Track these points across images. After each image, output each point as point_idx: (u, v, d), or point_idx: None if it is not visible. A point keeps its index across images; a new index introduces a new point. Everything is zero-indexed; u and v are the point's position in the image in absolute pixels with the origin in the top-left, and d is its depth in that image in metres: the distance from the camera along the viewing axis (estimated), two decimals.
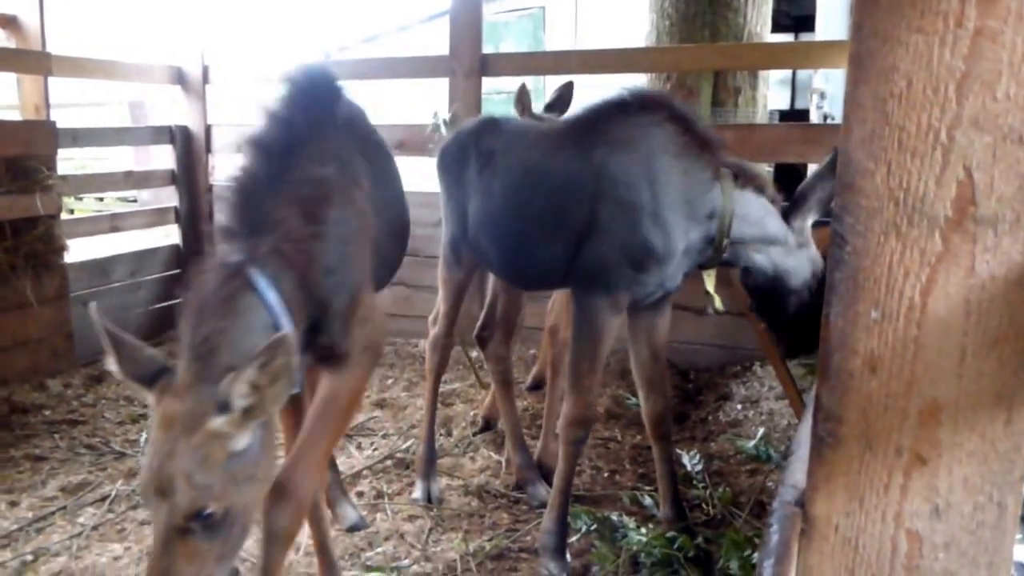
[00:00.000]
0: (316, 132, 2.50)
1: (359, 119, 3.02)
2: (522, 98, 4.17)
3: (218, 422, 1.95)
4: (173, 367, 2.06)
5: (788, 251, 2.99)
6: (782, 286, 3.02)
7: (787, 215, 2.99)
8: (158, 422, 1.98)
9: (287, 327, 2.16)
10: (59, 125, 5.19)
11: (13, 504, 3.60)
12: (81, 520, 3.49)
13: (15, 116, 5.63)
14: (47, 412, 4.64)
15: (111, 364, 2.04)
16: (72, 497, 3.67)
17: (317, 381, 2.59)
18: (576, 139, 3.05)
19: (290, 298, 2.24)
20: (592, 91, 3.39)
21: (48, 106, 5.32)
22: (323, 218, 2.39)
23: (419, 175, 5.44)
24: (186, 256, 6.47)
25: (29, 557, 3.18)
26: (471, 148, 3.40)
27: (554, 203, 3.03)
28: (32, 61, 5.22)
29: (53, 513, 3.53)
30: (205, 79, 6.48)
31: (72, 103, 7.64)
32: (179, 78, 6.47)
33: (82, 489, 3.76)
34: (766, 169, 6.07)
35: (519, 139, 3.31)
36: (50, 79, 5.37)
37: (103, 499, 3.65)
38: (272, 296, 2.18)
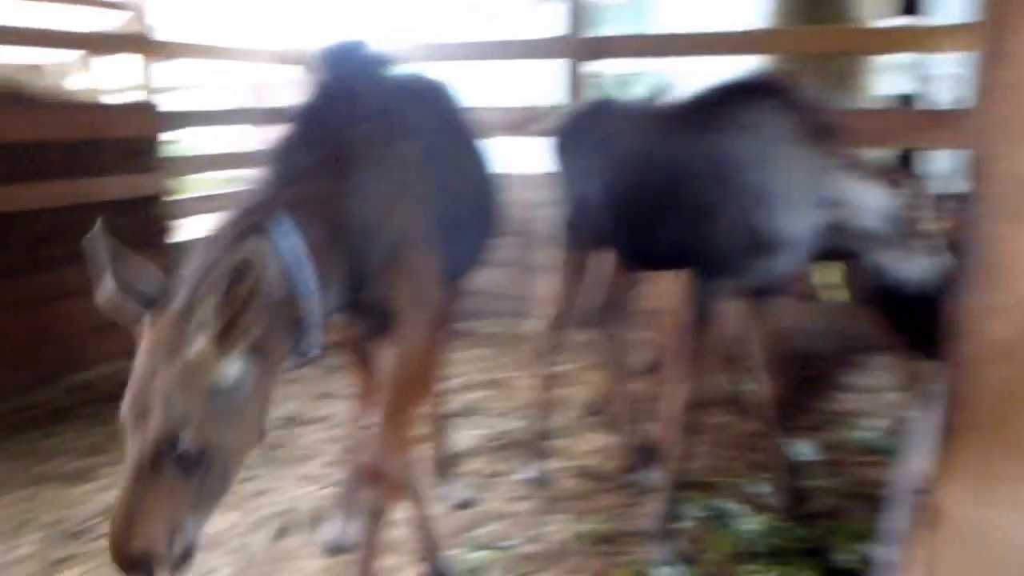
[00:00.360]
0: (353, 100, 2.45)
1: (429, 95, 2.97)
2: (645, 84, 4.21)
3: (198, 348, 1.89)
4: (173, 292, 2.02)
5: (907, 249, 2.87)
6: (901, 287, 2.91)
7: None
8: (144, 346, 1.94)
9: (308, 279, 2.12)
10: (160, 108, 5.42)
11: None
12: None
13: (137, 97, 5.87)
14: None
15: (106, 284, 1.97)
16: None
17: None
18: (697, 121, 3.01)
19: (316, 248, 2.16)
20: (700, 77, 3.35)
21: (151, 89, 5.54)
22: (355, 175, 2.33)
23: (531, 156, 5.46)
24: None
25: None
26: (586, 130, 3.39)
27: (672, 185, 2.99)
28: (136, 44, 5.43)
29: None
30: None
31: (191, 86, 7.90)
32: (286, 60, 6.55)
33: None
34: (886, 156, 5.85)
35: (637, 120, 3.28)
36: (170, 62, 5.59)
37: None
38: (288, 242, 2.11)
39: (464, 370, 5.14)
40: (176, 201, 5.83)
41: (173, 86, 7.79)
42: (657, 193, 3.04)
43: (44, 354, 4.83)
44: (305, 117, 2.40)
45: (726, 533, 3.09)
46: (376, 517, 2.49)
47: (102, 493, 3.56)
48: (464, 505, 3.45)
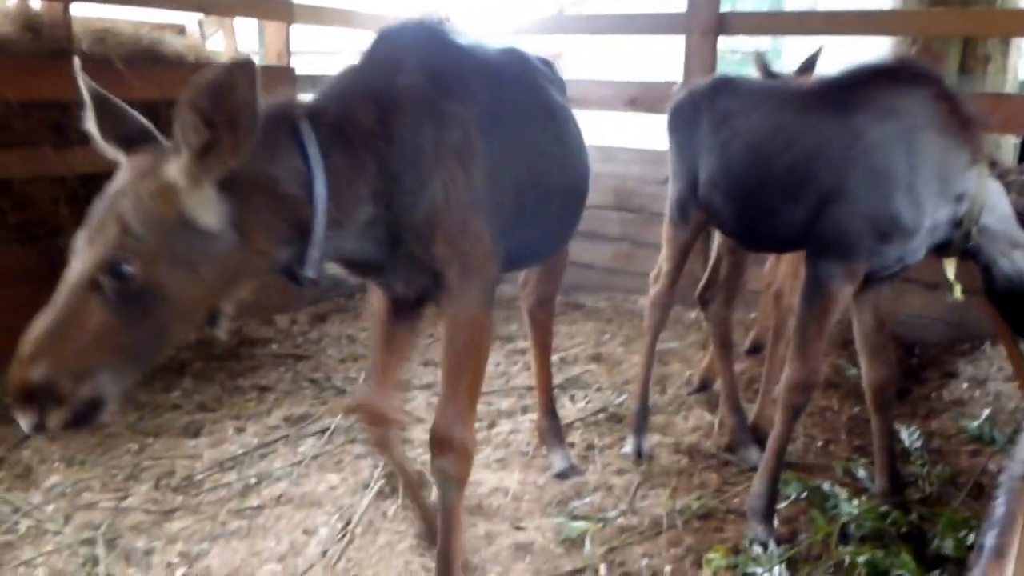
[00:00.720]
0: (404, 58, 2.37)
1: (506, 68, 2.86)
2: (759, 62, 4.19)
3: (171, 167, 1.80)
4: (158, 137, 1.94)
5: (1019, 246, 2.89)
6: (1015, 283, 2.92)
7: None
8: (119, 171, 1.86)
9: (321, 189, 2.05)
10: (298, 72, 5.47)
11: (240, 430, 3.86)
12: (301, 449, 3.68)
13: (274, 61, 5.99)
14: (274, 346, 4.95)
15: (88, 121, 1.90)
16: (294, 427, 3.89)
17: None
18: (833, 102, 2.94)
19: (335, 172, 2.10)
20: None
21: (289, 53, 5.61)
22: (390, 124, 2.24)
23: (649, 133, 5.38)
24: None
25: (253, 480, 3.39)
26: (706, 107, 3.35)
27: (800, 165, 2.93)
28: (276, 9, 5.51)
29: (276, 441, 3.75)
30: None
31: (311, 50, 8.05)
32: None
33: (303, 420, 3.97)
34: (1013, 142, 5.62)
35: (761, 99, 3.24)
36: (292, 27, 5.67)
37: (323, 431, 3.83)
38: (315, 150, 2.05)
39: (570, 343, 5.11)
40: None
41: (311, 50, 7.94)
42: (784, 173, 2.98)
43: None
44: (355, 68, 2.38)
45: (825, 515, 3.00)
46: (449, 485, 2.48)
47: (212, 449, 3.66)
48: (565, 475, 3.43)
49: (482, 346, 2.51)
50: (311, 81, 5.77)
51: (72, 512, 3.15)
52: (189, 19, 5.73)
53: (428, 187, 2.29)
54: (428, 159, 2.29)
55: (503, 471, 3.50)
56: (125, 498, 3.26)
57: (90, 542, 2.94)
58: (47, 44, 4.21)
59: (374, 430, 2.83)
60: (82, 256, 1.77)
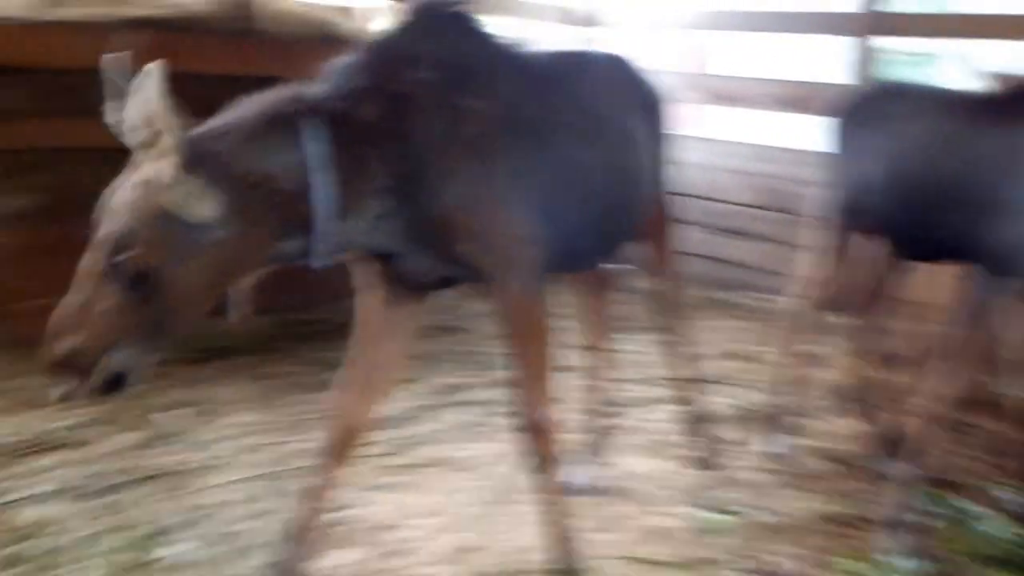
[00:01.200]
0: (422, 50, 2.36)
1: (558, 68, 2.84)
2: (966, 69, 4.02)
3: (157, 167, 1.91)
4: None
5: None
6: None
7: None
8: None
9: (326, 185, 2.10)
10: None
11: (394, 395, 4.06)
12: (449, 416, 3.89)
13: None
14: (434, 317, 5.10)
15: (113, 108, 1.96)
16: (443, 395, 4.10)
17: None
18: (1015, 112, 2.86)
19: (343, 168, 2.13)
20: None
21: None
22: (405, 118, 2.25)
23: (805, 133, 5.32)
24: None
25: (405, 441, 3.61)
26: (872, 112, 3.30)
27: (982, 176, 2.85)
28: None
29: (426, 407, 3.96)
30: (592, 22, 6.70)
31: None
32: (567, 17, 6.69)
33: (455, 390, 4.18)
34: None
35: (937, 105, 3.16)
36: None
37: (473, 402, 4.04)
38: (316, 145, 2.10)
39: (716, 339, 5.12)
40: None
41: None
42: (954, 182, 2.92)
43: (332, 273, 5.24)
44: (372, 51, 2.36)
45: (966, 534, 2.98)
46: (539, 467, 2.57)
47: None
48: (704, 466, 3.48)
49: (536, 332, 2.55)
50: None
51: (241, 451, 3.44)
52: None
53: (443, 183, 2.29)
54: (441, 155, 2.29)
55: (639, 457, 3.59)
56: (286, 443, 3.53)
57: (254, 479, 3.22)
58: (228, 21, 4.54)
59: (335, 435, 2.61)
60: (93, 243, 1.93)
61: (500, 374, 4.31)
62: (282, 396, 3.99)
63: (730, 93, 6.34)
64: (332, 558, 2.77)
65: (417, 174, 2.25)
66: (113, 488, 3.09)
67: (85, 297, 1.91)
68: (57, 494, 3.03)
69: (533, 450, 2.55)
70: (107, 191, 1.97)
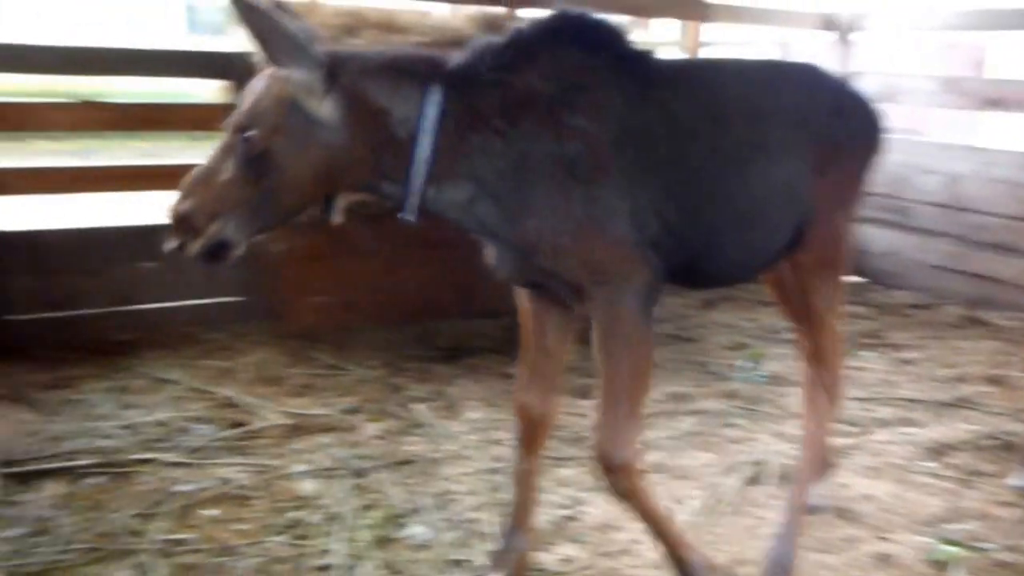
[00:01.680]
0: (543, 60, 2.36)
1: (696, 84, 2.65)
2: None
3: (295, 69, 2.14)
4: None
5: None
6: None
7: None
8: None
9: (427, 144, 2.23)
10: None
11: None
12: (679, 425, 3.98)
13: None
14: (666, 325, 5.29)
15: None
16: (674, 404, 4.20)
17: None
18: None
19: (446, 141, 2.26)
20: None
21: (698, 51, 5.84)
22: (515, 121, 2.29)
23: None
24: None
25: (638, 444, 3.73)
26: None
27: None
28: (691, 9, 5.76)
29: (657, 414, 4.07)
30: (854, 26, 6.52)
31: (722, 42, 8.19)
32: (828, 24, 6.58)
33: (684, 399, 4.26)
34: None
35: None
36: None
37: (699, 412, 4.11)
38: (431, 108, 2.24)
39: (963, 360, 4.88)
40: None
41: (711, 42, 8.14)
42: None
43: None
44: (509, 42, 2.39)
45: None
46: (623, 501, 2.51)
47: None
48: (942, 495, 3.37)
49: (633, 359, 2.43)
50: None
51: (485, 444, 3.73)
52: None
53: (530, 196, 2.32)
54: (536, 168, 2.31)
55: (873, 480, 3.51)
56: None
57: (496, 471, 3.48)
58: None
59: (522, 427, 2.77)
60: (229, 120, 2.21)
61: (731, 385, 4.41)
62: None
63: (1003, 97, 5.95)
64: (559, 552, 2.97)
65: (508, 178, 2.32)
66: (374, 469, 3.47)
67: (210, 167, 2.21)
68: (328, 471, 3.45)
69: (611, 486, 2.47)
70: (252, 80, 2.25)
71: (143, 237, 4.56)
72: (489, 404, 4.13)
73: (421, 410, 4.02)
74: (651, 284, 2.41)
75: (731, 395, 4.35)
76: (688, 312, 5.56)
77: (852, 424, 3.99)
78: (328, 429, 3.81)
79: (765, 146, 2.61)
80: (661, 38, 6.52)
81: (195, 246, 2.20)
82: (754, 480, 3.49)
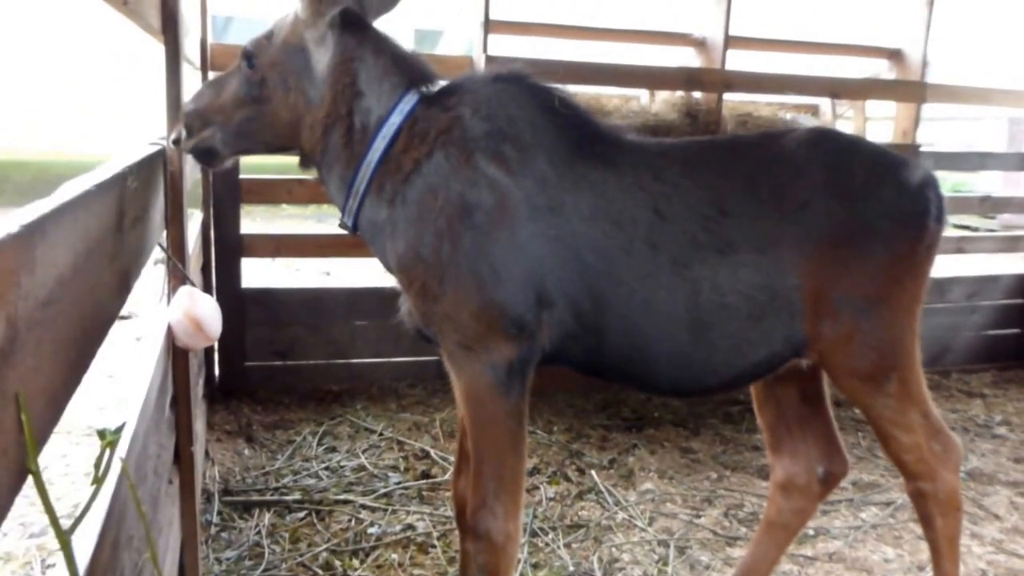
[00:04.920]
0: (480, 104, 2.36)
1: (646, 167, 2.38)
2: None
3: (298, 10, 2.39)
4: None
5: None
6: None
7: None
8: None
9: (377, 144, 2.35)
10: (924, 147, 5.59)
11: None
12: (863, 515, 3.87)
13: (886, 130, 6.16)
14: (848, 410, 5.10)
15: None
16: (860, 492, 4.08)
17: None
18: None
19: (393, 154, 2.35)
20: None
21: (916, 130, 5.69)
22: (434, 151, 2.31)
23: None
24: None
25: (811, 532, 3.68)
26: None
27: None
28: (909, 90, 5.66)
29: (840, 501, 3.98)
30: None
31: (949, 117, 7.91)
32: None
33: (870, 488, 4.13)
34: None
35: None
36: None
37: (888, 503, 3.98)
38: (396, 118, 2.35)
39: None
40: None
41: (947, 116, 7.90)
42: None
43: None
44: (463, 80, 2.49)
45: None
46: (480, 573, 2.40)
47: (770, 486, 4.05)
48: None
49: (489, 428, 2.30)
50: (934, 158, 5.80)
51: (656, 516, 3.80)
52: (825, 100, 6.14)
53: (416, 229, 2.29)
54: (429, 202, 2.28)
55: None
56: (699, 516, 3.81)
57: (665, 544, 3.54)
58: (701, 127, 4.97)
59: (457, 511, 2.75)
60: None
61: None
62: (701, 471, 4.30)
63: None
64: None
65: (405, 206, 2.32)
66: (547, 529, 3.63)
67: (222, 81, 2.52)
68: None
69: (474, 553, 2.39)
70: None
71: (359, 298, 5.06)
72: (663, 476, 4.19)
73: (601, 476, 4.14)
74: (515, 363, 2.26)
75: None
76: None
77: None
78: None
79: (728, 246, 2.28)
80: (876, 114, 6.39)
81: (188, 144, 2.51)
82: None
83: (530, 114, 2.36)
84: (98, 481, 1.02)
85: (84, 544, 1.17)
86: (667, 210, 2.28)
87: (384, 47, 2.42)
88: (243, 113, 2.45)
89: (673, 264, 2.26)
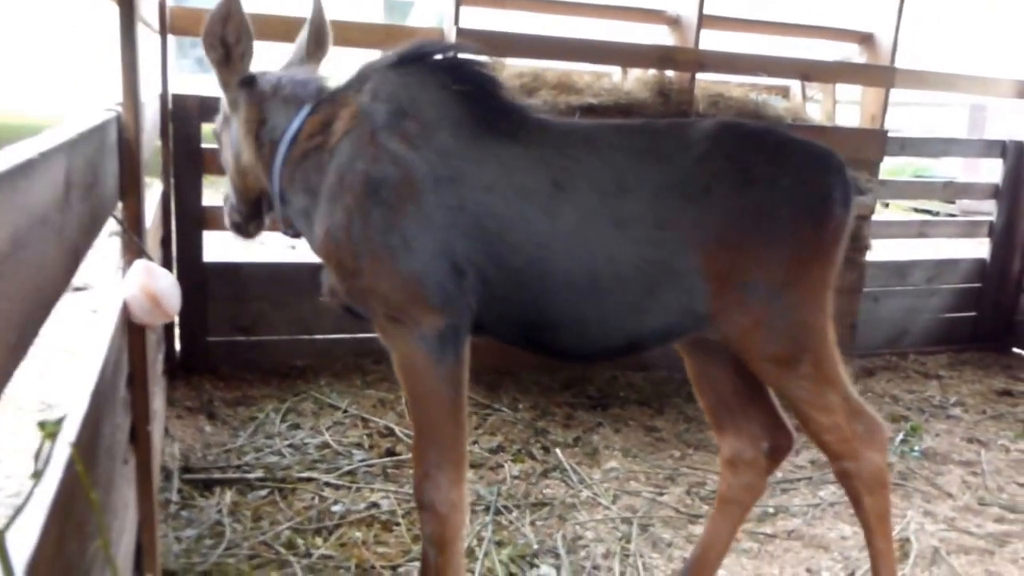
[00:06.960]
0: (378, 84, 2.44)
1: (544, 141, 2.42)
2: None
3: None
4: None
5: None
6: None
7: None
8: None
9: (280, 149, 2.51)
10: (891, 132, 5.62)
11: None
12: (821, 493, 3.92)
13: (852, 113, 6.19)
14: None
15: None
16: (818, 471, 4.12)
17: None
18: None
19: (294, 154, 2.51)
20: None
21: (884, 115, 5.71)
22: (334, 135, 2.42)
23: None
24: (991, 272, 6.41)
25: (771, 509, 3.73)
26: None
27: None
28: (877, 74, 5.68)
29: (799, 480, 4.04)
30: None
31: (913, 102, 7.97)
32: (1023, 92, 6.32)
33: (828, 467, 4.10)
34: None
35: None
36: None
37: None
38: (296, 124, 2.50)
39: None
40: (881, 222, 6.10)
41: (911, 102, 7.95)
42: None
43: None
44: (362, 68, 2.56)
45: None
46: (428, 544, 2.44)
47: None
48: None
49: (426, 398, 2.35)
50: (900, 143, 5.84)
51: (620, 494, 3.82)
52: (794, 82, 6.14)
53: (328, 209, 2.37)
54: (338, 183, 2.35)
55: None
56: (662, 494, 3.84)
57: (628, 521, 3.56)
58: (673, 107, 4.96)
59: None
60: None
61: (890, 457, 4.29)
62: (665, 449, 4.32)
63: None
64: None
65: (318, 188, 2.43)
66: (512, 507, 3.63)
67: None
68: (474, 504, 3.63)
69: (422, 525, 2.44)
70: None
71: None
72: (627, 454, 4.22)
73: (565, 455, 4.15)
74: (445, 331, 2.31)
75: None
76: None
77: (1012, 510, 3.82)
78: (473, 465, 3.99)
79: (625, 220, 2.33)
80: (840, 105, 6.41)
81: (227, 221, 2.85)
82: (896, 559, 3.39)
83: (431, 94, 2.41)
84: (36, 475, 0.98)
85: (25, 538, 1.13)
86: (567, 182, 2.33)
87: (283, 83, 2.60)
88: (230, 183, 2.79)
89: (570, 234, 2.32)
